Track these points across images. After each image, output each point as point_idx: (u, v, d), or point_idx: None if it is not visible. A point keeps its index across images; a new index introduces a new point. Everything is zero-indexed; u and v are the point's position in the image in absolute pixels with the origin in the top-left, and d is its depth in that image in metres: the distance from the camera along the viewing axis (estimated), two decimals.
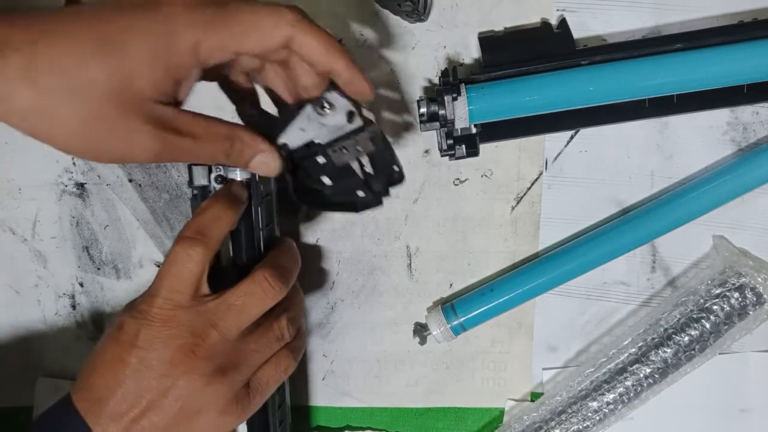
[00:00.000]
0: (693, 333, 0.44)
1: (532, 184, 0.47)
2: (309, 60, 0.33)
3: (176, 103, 0.32)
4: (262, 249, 0.40)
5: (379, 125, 0.37)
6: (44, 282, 0.49)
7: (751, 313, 0.43)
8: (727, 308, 0.43)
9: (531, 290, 0.45)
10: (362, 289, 0.48)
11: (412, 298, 0.48)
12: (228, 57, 0.32)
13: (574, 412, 0.45)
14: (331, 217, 0.47)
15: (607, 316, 0.48)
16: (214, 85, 0.37)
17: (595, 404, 0.44)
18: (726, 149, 0.46)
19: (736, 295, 0.43)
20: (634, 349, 0.45)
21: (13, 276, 0.49)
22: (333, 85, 0.35)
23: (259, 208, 0.39)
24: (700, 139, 0.46)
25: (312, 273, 0.48)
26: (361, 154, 0.37)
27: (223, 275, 0.39)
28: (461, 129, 0.44)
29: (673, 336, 0.44)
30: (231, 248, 0.39)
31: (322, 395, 0.49)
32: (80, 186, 0.48)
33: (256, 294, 0.36)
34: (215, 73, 0.37)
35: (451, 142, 0.43)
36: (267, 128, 0.36)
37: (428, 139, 0.46)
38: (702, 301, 0.44)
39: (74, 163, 0.48)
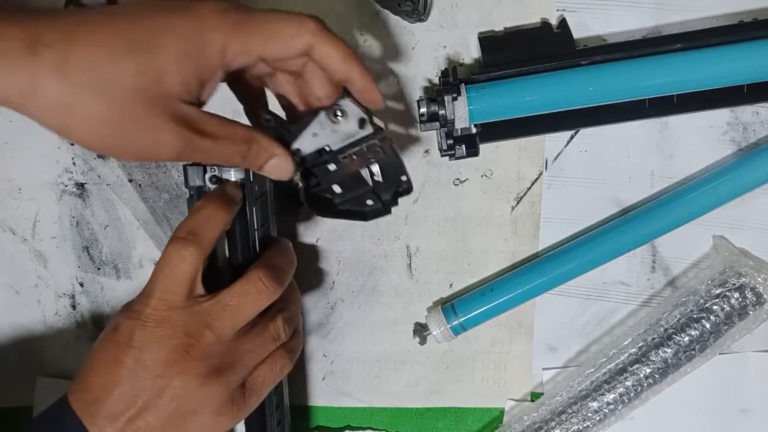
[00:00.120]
0: (693, 333, 0.44)
1: (532, 184, 0.47)
2: (327, 68, 0.34)
3: (200, 104, 0.32)
4: (258, 249, 0.40)
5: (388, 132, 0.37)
6: (44, 282, 0.49)
7: (751, 313, 0.43)
8: (727, 308, 0.43)
9: (531, 290, 0.45)
10: (362, 289, 0.48)
11: (412, 298, 0.48)
12: (251, 61, 0.33)
13: (574, 412, 0.45)
14: None
15: (607, 316, 0.48)
16: (229, 91, 0.38)
17: (595, 404, 0.44)
18: (726, 149, 0.46)
19: (736, 295, 0.43)
20: (634, 349, 0.45)
21: (13, 276, 0.49)
22: (346, 92, 0.36)
23: (254, 208, 0.39)
24: (700, 139, 0.46)
25: (312, 273, 0.48)
26: (371, 161, 0.37)
27: (219, 276, 0.39)
28: (461, 129, 0.44)
29: (673, 336, 0.44)
30: (227, 248, 0.39)
31: (322, 395, 0.49)
32: (80, 186, 0.48)
33: (251, 294, 0.36)
34: (232, 76, 0.37)
35: (451, 142, 0.43)
36: (281, 133, 0.36)
37: (428, 139, 0.46)
38: (702, 301, 0.44)
39: (74, 163, 0.48)
